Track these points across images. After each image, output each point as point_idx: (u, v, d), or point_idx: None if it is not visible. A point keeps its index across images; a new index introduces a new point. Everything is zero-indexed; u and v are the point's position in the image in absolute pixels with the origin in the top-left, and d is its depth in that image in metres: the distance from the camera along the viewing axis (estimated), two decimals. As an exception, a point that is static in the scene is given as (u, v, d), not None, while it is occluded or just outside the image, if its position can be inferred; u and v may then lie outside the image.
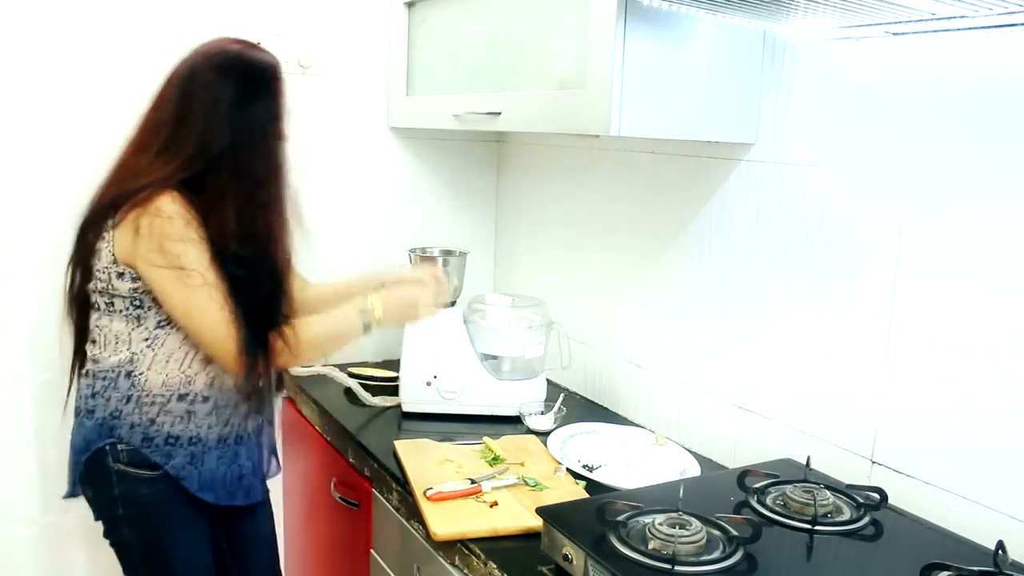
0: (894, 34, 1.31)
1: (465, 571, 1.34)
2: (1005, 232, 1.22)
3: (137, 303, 1.46)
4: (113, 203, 1.43)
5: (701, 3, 1.26)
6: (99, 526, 1.94)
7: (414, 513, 1.47)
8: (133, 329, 1.47)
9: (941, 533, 1.26)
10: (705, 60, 1.50)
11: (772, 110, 1.55)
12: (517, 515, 1.39)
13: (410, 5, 2.13)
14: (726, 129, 1.57)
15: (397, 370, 1.96)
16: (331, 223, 2.14)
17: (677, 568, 1.09)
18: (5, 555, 1.87)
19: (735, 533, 1.16)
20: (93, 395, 1.49)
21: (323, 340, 1.58)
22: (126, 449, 1.47)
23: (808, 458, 1.43)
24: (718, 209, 1.68)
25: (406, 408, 1.91)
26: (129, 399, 1.47)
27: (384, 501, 1.63)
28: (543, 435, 1.75)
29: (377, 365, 2.20)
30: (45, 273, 1.83)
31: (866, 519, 1.27)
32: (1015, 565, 1.14)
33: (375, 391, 2.00)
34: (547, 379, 1.99)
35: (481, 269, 2.40)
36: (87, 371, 1.52)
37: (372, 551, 1.70)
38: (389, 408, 1.94)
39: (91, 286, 1.49)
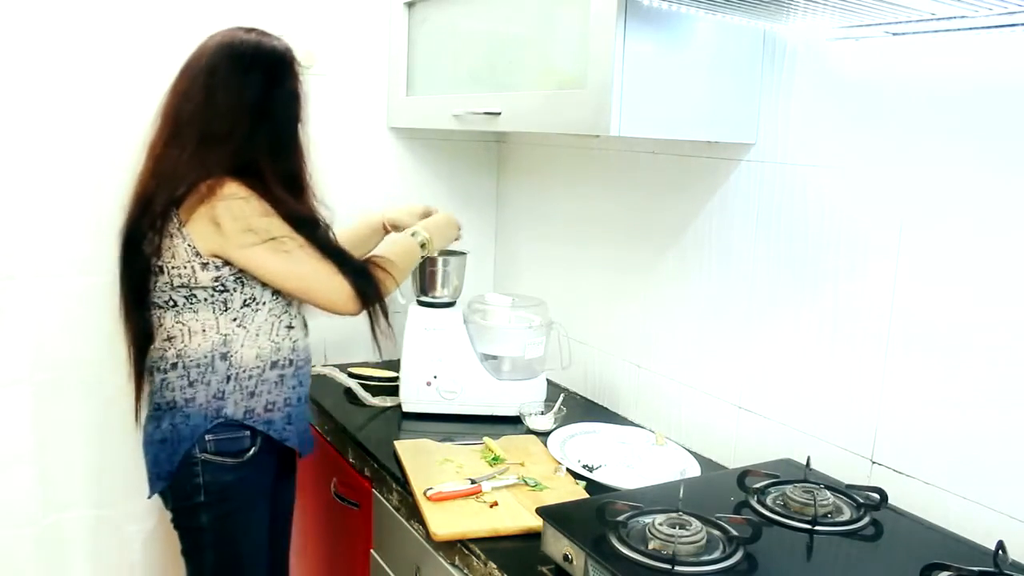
0: (894, 34, 1.31)
1: (465, 571, 1.34)
2: (1005, 232, 1.22)
3: (221, 288, 1.50)
4: (171, 201, 1.45)
5: (701, 3, 1.26)
6: (97, 528, 1.96)
7: (414, 513, 1.48)
8: (220, 314, 1.51)
9: (941, 533, 1.26)
10: (705, 60, 1.50)
11: (772, 110, 1.55)
12: (517, 515, 1.39)
13: (410, 5, 2.13)
14: (726, 129, 1.57)
15: (397, 370, 1.96)
16: (331, 223, 2.14)
17: (677, 568, 1.09)
18: (5, 555, 1.87)
19: (735, 533, 1.16)
20: (191, 384, 1.52)
21: (402, 265, 1.67)
22: (213, 440, 1.52)
23: (808, 458, 1.43)
24: (718, 209, 1.68)
25: (406, 408, 1.91)
26: (229, 378, 1.53)
27: (384, 501, 1.63)
28: (543, 435, 1.75)
29: (377, 365, 2.20)
30: (46, 274, 1.84)
31: (866, 519, 1.27)
32: (1015, 565, 1.14)
33: (375, 391, 2.00)
34: (547, 379, 1.99)
35: (481, 269, 2.40)
36: (173, 364, 1.53)
37: (372, 551, 1.70)
38: (389, 408, 1.94)
39: (162, 285, 1.50)
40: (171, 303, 1.51)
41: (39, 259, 1.83)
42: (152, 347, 1.56)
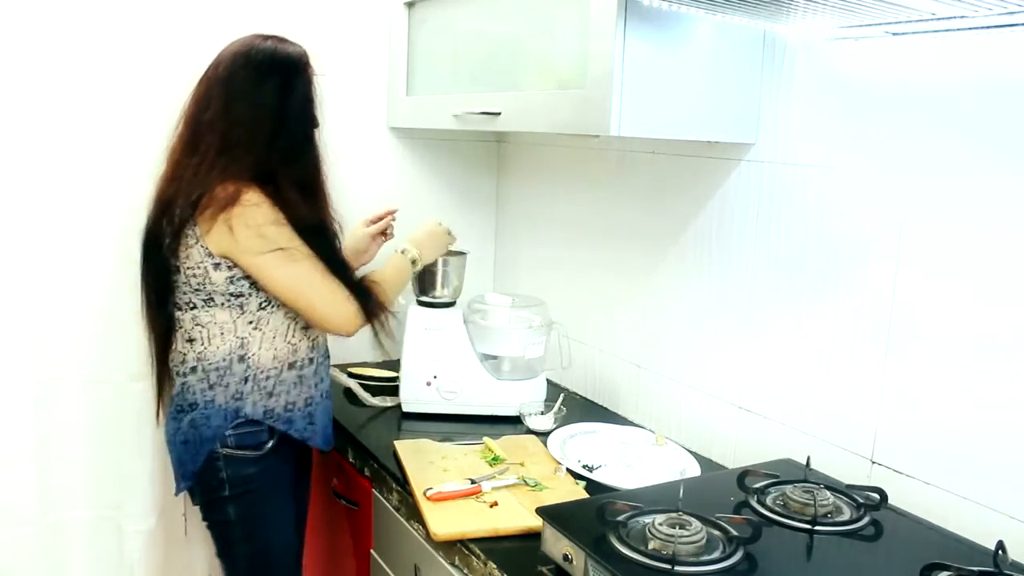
0: (894, 34, 1.31)
1: (465, 571, 1.34)
2: (1005, 232, 1.22)
3: (237, 292, 1.52)
4: (188, 205, 1.48)
5: (701, 3, 1.26)
6: (97, 528, 1.96)
7: (414, 513, 1.48)
8: (238, 317, 1.54)
9: (941, 533, 1.26)
10: (705, 60, 1.50)
11: (772, 110, 1.55)
12: (517, 515, 1.39)
13: (410, 5, 2.13)
14: (726, 129, 1.57)
15: (397, 370, 1.96)
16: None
17: (677, 568, 1.09)
18: (5, 555, 1.87)
19: (735, 533, 1.16)
20: (211, 387, 1.56)
21: (394, 282, 1.72)
22: (233, 435, 1.55)
23: (808, 458, 1.43)
24: (718, 209, 1.68)
25: (406, 408, 1.91)
26: (247, 380, 1.55)
27: (384, 501, 1.63)
28: (543, 435, 1.75)
29: (377, 365, 2.20)
30: (46, 274, 1.83)
31: (866, 519, 1.27)
32: (1015, 565, 1.14)
33: (375, 391, 2.00)
34: (547, 379, 1.99)
35: (481, 269, 2.40)
36: (193, 368, 1.56)
37: (372, 551, 1.70)
38: (389, 408, 1.94)
39: (183, 288, 1.54)
40: (190, 304, 1.55)
41: (39, 260, 1.82)
42: (173, 349, 1.60)
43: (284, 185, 1.51)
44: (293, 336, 1.59)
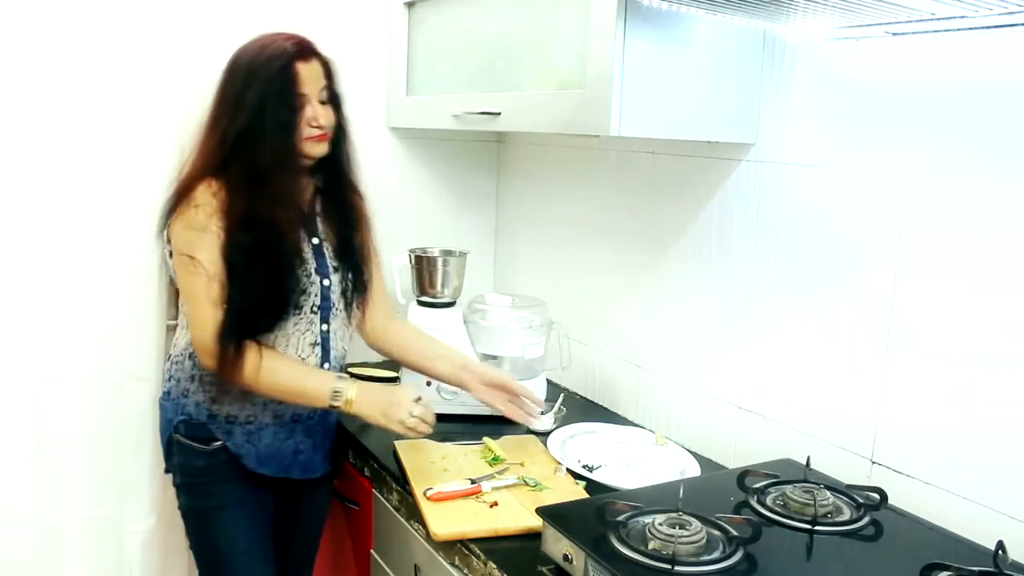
0: (894, 34, 1.31)
1: (465, 571, 1.34)
2: (1005, 232, 1.22)
3: None
4: (175, 196, 1.52)
5: (701, 3, 1.26)
6: (97, 528, 1.97)
7: (414, 513, 1.48)
8: None
9: (941, 533, 1.26)
10: (705, 60, 1.50)
11: (772, 110, 1.55)
12: (517, 515, 1.39)
13: (410, 5, 2.13)
14: (726, 129, 1.57)
15: (397, 370, 1.96)
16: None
17: (677, 568, 1.09)
18: (5, 555, 1.87)
19: (735, 533, 1.16)
20: (170, 379, 1.62)
21: (284, 388, 1.51)
22: (183, 422, 1.57)
23: (808, 458, 1.43)
24: (718, 209, 1.68)
25: (406, 408, 1.90)
26: (193, 378, 1.57)
27: (384, 501, 1.63)
28: (543, 435, 1.75)
29: (377, 365, 2.20)
30: (46, 274, 1.83)
31: (866, 519, 1.27)
32: (1015, 565, 1.14)
33: (375, 391, 1.99)
34: (547, 379, 1.99)
35: (481, 269, 2.40)
36: (168, 355, 1.66)
37: (372, 551, 1.70)
38: (389, 408, 1.93)
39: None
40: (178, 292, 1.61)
41: (39, 259, 1.82)
42: None
43: (237, 184, 1.47)
44: None
